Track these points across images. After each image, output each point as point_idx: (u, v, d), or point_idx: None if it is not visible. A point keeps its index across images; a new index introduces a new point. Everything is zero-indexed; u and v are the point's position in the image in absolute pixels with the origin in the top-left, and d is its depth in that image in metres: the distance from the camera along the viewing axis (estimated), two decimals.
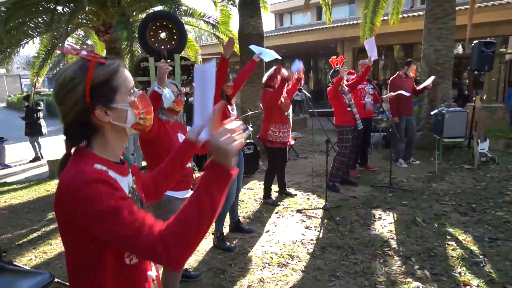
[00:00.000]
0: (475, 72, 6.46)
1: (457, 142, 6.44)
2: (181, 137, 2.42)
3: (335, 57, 4.93)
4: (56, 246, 3.73)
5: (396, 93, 5.48)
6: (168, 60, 4.20)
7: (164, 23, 4.18)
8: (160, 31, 4.22)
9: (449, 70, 6.90)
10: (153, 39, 4.19)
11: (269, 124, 4.28)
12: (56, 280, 1.66)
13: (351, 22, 11.59)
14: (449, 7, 6.75)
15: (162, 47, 4.18)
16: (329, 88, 4.91)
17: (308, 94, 4.50)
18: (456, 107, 6.97)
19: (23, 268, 1.85)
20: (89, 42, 12.36)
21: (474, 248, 3.26)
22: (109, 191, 0.89)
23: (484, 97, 10.35)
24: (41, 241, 3.88)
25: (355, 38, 10.01)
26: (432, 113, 6.06)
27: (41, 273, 1.63)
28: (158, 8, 7.84)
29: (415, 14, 10.07)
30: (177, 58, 4.11)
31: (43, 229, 4.22)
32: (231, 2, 9.23)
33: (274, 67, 4.25)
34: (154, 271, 1.12)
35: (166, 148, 2.28)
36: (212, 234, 3.56)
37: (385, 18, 9.50)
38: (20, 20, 6.83)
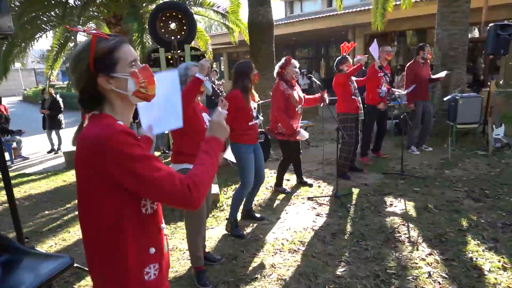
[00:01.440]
0: (491, 56, 6.31)
1: (472, 128, 6.34)
2: (205, 117, 2.68)
3: (347, 42, 4.89)
4: (74, 234, 3.86)
5: (409, 89, 5.49)
6: (178, 51, 4.24)
7: (174, 13, 4.20)
8: (170, 22, 4.24)
9: (463, 55, 6.75)
10: (163, 30, 4.22)
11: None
12: (75, 265, 1.75)
13: (362, 8, 11.38)
14: None
15: (172, 37, 4.21)
16: (340, 74, 4.85)
17: (318, 82, 4.48)
18: (470, 92, 6.86)
19: (45, 252, 1.94)
20: None
21: (486, 233, 3.24)
22: (136, 142, 1.05)
23: (501, 82, 10.11)
24: (60, 229, 4.03)
25: (366, 25, 9.84)
26: (445, 99, 5.97)
27: (62, 256, 1.72)
28: None
29: None
30: (187, 48, 4.14)
31: (62, 218, 4.36)
32: None
33: (284, 58, 4.22)
34: (165, 225, 1.28)
35: (194, 126, 2.56)
36: (226, 219, 3.63)
37: (397, 3, 9.32)
38: (34, 14, 6.94)
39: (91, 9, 8.13)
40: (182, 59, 4.28)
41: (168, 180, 1.05)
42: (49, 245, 3.62)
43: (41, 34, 7.87)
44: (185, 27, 4.20)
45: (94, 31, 1.11)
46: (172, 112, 1.54)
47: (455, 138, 6.21)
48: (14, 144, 7.79)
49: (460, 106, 5.90)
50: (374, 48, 4.75)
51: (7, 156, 8.05)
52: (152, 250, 1.17)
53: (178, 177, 1.08)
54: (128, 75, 1.12)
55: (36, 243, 3.64)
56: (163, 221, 1.27)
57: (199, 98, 2.71)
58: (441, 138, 6.58)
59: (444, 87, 6.79)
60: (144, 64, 1.19)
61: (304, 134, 4.14)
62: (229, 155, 2.79)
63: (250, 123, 3.39)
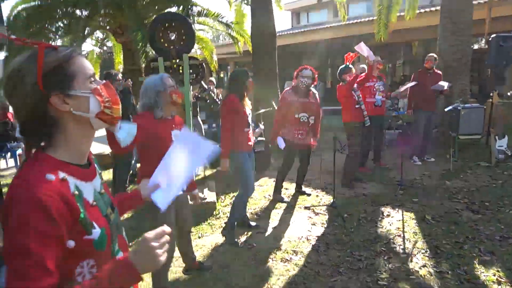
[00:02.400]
0: (490, 68, 6.28)
1: (474, 139, 6.26)
2: (175, 134, 2.31)
3: (351, 53, 4.91)
4: None
5: (405, 86, 5.45)
6: (177, 60, 4.30)
7: (173, 24, 4.27)
8: (169, 32, 4.31)
9: (466, 65, 6.71)
10: (162, 40, 4.29)
11: (281, 123, 4.33)
12: None
13: (367, 19, 11.43)
14: (466, 1, 6.57)
15: (171, 47, 4.28)
16: (341, 85, 4.86)
17: (316, 94, 4.50)
18: (473, 103, 6.80)
19: None
20: (109, 44, 12.72)
21: (483, 246, 3.18)
22: (39, 225, 0.79)
23: (509, 93, 9.99)
24: None
25: (370, 35, 9.86)
26: (446, 109, 5.92)
27: None
28: (173, 9, 8.00)
29: (433, 9, 9.84)
30: (186, 57, 4.19)
31: None
32: (245, 1, 9.31)
33: (299, 68, 4.31)
34: None
35: (158, 149, 1.95)
36: (225, 223, 3.62)
37: (402, 14, 9.34)
38: (40, 25, 7.11)
39: (98, 19, 8.32)
40: (180, 68, 4.35)
41: (20, 275, 0.78)
42: None
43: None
44: (184, 37, 4.26)
45: (37, 43, 0.88)
46: (178, 179, 1.33)
47: (457, 149, 6.14)
48: (20, 151, 7.89)
49: (462, 117, 5.85)
50: (360, 47, 4.51)
51: (12, 162, 8.18)
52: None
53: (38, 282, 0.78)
54: (90, 92, 0.91)
55: None
56: None
57: (172, 114, 2.42)
58: (444, 149, 6.51)
59: (447, 97, 6.73)
60: (104, 81, 0.98)
61: (279, 144, 4.30)
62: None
63: (245, 129, 3.41)
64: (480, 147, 6.34)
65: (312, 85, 4.38)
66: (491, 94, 6.06)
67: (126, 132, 1.72)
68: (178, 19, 4.25)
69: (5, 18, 7.11)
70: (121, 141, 1.76)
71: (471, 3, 6.67)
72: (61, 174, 0.87)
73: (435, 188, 4.73)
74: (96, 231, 0.90)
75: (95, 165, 1.04)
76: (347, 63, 4.89)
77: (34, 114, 0.87)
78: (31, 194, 0.80)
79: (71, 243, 0.86)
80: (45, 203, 0.80)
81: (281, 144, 4.29)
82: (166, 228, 0.92)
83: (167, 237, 0.91)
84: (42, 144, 0.92)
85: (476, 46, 12.48)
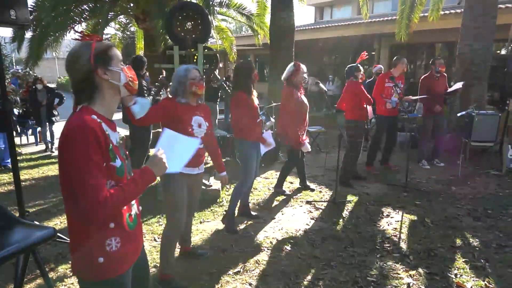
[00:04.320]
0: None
1: (487, 146, 6.18)
2: (196, 119, 2.59)
3: (366, 52, 4.91)
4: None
5: (417, 97, 5.45)
6: (192, 50, 4.41)
7: (190, 13, 4.37)
8: (186, 21, 4.42)
9: (486, 71, 6.60)
10: (179, 29, 4.41)
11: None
12: (58, 234, 1.97)
13: (388, 18, 11.24)
14: (491, 5, 6.43)
15: (187, 36, 4.39)
16: (355, 82, 4.84)
17: (325, 88, 4.53)
18: (491, 110, 6.68)
19: (33, 223, 2.17)
20: (132, 29, 12.95)
21: (478, 253, 3.20)
22: (92, 140, 1.22)
23: None
24: None
25: (392, 35, 9.72)
26: (458, 114, 5.86)
27: (48, 227, 1.95)
28: None
29: (458, 11, 9.60)
30: (200, 47, 4.30)
31: None
32: None
33: (293, 64, 4.29)
34: (136, 207, 1.48)
35: (173, 126, 2.34)
36: (225, 211, 3.75)
37: (425, 14, 9.17)
38: (66, 7, 7.33)
39: (122, 5, 8.51)
40: (195, 57, 4.46)
41: (88, 189, 1.19)
42: (55, 223, 3.86)
43: (73, 26, 8.28)
44: (200, 27, 4.36)
45: (91, 37, 1.37)
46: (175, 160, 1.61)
47: (468, 155, 6.07)
48: (39, 129, 8.20)
49: (476, 124, 5.77)
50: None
51: (32, 139, 8.53)
52: (112, 225, 1.34)
53: (99, 192, 1.20)
54: (121, 69, 1.37)
55: (44, 220, 3.89)
56: (133, 203, 1.45)
57: (198, 100, 2.70)
58: (455, 154, 6.44)
59: (463, 102, 6.65)
60: (128, 65, 1.46)
61: (307, 147, 4.28)
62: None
63: (257, 120, 3.52)
64: (493, 155, 6.24)
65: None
66: (507, 102, 5.95)
67: (140, 106, 1.97)
68: (195, 9, 4.35)
69: None
70: (135, 114, 2.02)
71: (496, 7, 6.52)
72: (98, 120, 1.30)
73: (439, 193, 4.72)
74: (118, 162, 1.33)
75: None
76: (358, 63, 4.88)
77: (84, 80, 1.31)
78: (84, 124, 1.23)
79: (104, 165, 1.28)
80: (95, 129, 1.23)
81: (308, 147, 4.29)
82: (161, 151, 1.46)
83: (161, 152, 1.44)
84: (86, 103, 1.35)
85: (503, 52, 12.11)
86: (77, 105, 1.34)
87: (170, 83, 2.80)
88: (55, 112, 7.56)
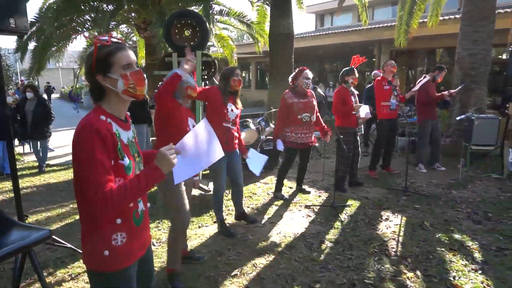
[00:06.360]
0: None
1: (488, 150, 6.16)
2: (191, 121, 2.76)
3: (359, 56, 4.92)
4: (79, 222, 4.11)
5: (415, 89, 5.45)
6: None
7: (189, 21, 4.44)
8: (184, 29, 4.49)
9: (485, 75, 6.60)
10: (177, 37, 4.47)
11: (284, 125, 4.40)
12: (53, 237, 2.00)
13: (388, 24, 11.32)
14: (489, 9, 6.47)
15: (186, 43, 4.45)
16: (342, 87, 4.83)
17: (323, 94, 4.56)
18: (492, 114, 6.67)
19: (30, 225, 2.20)
20: (134, 38, 13.11)
21: (477, 255, 3.19)
22: (96, 140, 1.28)
23: None
24: (68, 216, 4.31)
25: (392, 40, 9.78)
26: (458, 118, 5.86)
27: (43, 229, 2.00)
28: (194, 7, 8.22)
29: (457, 16, 9.66)
30: (199, 54, 4.35)
31: (72, 206, 4.65)
32: (267, 2, 9.42)
33: (298, 69, 4.35)
34: (142, 204, 1.52)
35: (176, 125, 2.66)
36: (214, 222, 3.77)
37: (424, 20, 9.23)
38: (69, 17, 7.46)
39: (124, 14, 8.64)
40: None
41: (94, 185, 1.26)
42: (54, 228, 3.89)
43: (75, 36, 8.42)
44: (198, 34, 4.42)
45: (96, 40, 1.37)
46: (193, 162, 1.59)
47: (469, 159, 6.05)
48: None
49: (476, 127, 5.77)
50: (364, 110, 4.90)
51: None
52: (119, 221, 1.41)
53: (101, 188, 1.26)
54: (119, 76, 1.37)
55: (43, 225, 3.92)
56: (140, 200, 1.51)
57: (188, 105, 2.83)
58: (456, 159, 6.42)
59: (463, 106, 6.64)
60: (138, 69, 1.43)
61: (279, 147, 4.38)
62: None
63: (224, 124, 3.45)
64: (494, 159, 6.22)
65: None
66: (507, 106, 5.94)
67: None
68: (193, 16, 4.42)
69: (37, 9, 7.52)
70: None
71: (494, 12, 6.55)
72: (108, 120, 1.37)
73: (439, 197, 4.71)
74: (126, 160, 1.39)
75: (130, 123, 1.53)
76: (353, 66, 4.87)
77: (92, 84, 1.41)
78: (91, 125, 1.30)
79: (112, 163, 1.33)
80: (100, 130, 1.29)
81: (280, 146, 4.35)
82: (170, 146, 1.41)
83: (172, 149, 1.40)
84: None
85: (505, 56, 12.10)
86: (95, 103, 1.44)
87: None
88: (46, 128, 6.38)
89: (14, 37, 7.70)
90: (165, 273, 2.79)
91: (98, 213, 1.33)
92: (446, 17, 9.60)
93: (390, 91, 5.33)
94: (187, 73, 2.61)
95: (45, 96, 6.99)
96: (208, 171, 5.94)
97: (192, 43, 4.48)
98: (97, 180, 1.26)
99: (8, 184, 5.65)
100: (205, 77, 4.63)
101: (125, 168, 1.37)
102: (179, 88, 2.68)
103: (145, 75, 1.47)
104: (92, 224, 1.39)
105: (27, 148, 8.63)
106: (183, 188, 2.66)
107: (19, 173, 6.26)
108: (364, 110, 4.83)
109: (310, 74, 4.28)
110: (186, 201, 2.66)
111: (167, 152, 1.37)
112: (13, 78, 13.04)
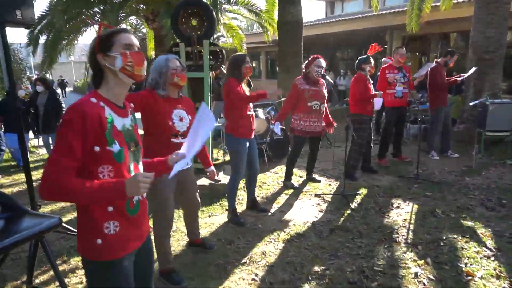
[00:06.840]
0: None
1: (503, 136, 6.01)
2: (177, 113, 2.45)
3: (377, 44, 4.84)
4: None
5: (424, 71, 5.37)
6: (197, 46, 4.45)
7: (195, 10, 4.41)
8: (191, 18, 4.47)
9: (500, 59, 6.41)
10: (184, 26, 4.45)
11: (293, 113, 4.39)
12: (65, 225, 2.06)
13: (398, 10, 11.06)
14: None
15: (193, 33, 4.43)
16: (360, 74, 4.78)
17: (331, 81, 4.50)
18: (505, 99, 6.50)
19: (41, 213, 2.26)
20: (144, 30, 13.13)
21: (490, 242, 3.14)
22: (76, 123, 1.27)
23: None
24: None
25: (404, 26, 9.56)
26: (471, 103, 5.72)
27: (54, 217, 2.06)
28: None
29: None
30: (206, 43, 4.34)
31: None
32: None
33: (311, 56, 4.31)
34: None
35: (152, 119, 2.41)
36: (226, 210, 3.78)
37: (437, 4, 8.98)
38: (78, 10, 7.50)
39: (132, 6, 8.65)
40: (201, 53, 4.50)
41: (52, 162, 1.26)
42: (68, 219, 3.98)
43: (85, 29, 8.48)
44: (205, 23, 4.40)
45: (102, 24, 1.46)
46: (193, 146, 1.60)
47: (483, 145, 5.93)
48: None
49: (490, 113, 5.63)
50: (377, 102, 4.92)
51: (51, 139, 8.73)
52: (110, 208, 1.39)
53: (56, 166, 1.25)
54: (118, 54, 1.37)
55: (58, 215, 4.00)
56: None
57: (179, 92, 2.58)
58: (470, 145, 6.30)
59: (477, 91, 6.48)
60: (139, 50, 1.44)
61: (276, 130, 4.26)
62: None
63: (248, 112, 3.45)
64: (509, 145, 6.07)
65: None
66: None
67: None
68: (199, 5, 4.39)
69: (47, 2, 7.58)
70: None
71: None
72: (101, 103, 1.36)
73: (452, 184, 4.64)
74: (116, 147, 1.35)
75: (129, 111, 1.50)
76: (369, 54, 4.81)
77: (92, 65, 1.42)
78: (77, 106, 1.29)
79: (97, 149, 1.31)
80: (86, 112, 1.28)
81: (278, 129, 4.26)
82: (150, 175, 1.32)
83: (150, 179, 1.31)
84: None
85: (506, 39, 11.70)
86: (93, 88, 1.44)
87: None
88: (57, 122, 6.12)
89: (26, 31, 7.81)
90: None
91: (40, 190, 1.27)
92: (460, 0, 9.33)
93: (394, 78, 5.23)
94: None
95: (59, 90, 7.02)
96: (219, 161, 5.98)
97: (199, 32, 4.46)
98: (57, 160, 1.25)
99: (24, 176, 5.77)
100: (212, 66, 4.61)
101: (114, 154, 1.34)
102: (161, 78, 2.42)
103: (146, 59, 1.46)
104: (84, 211, 1.38)
105: (41, 140, 8.80)
106: (172, 187, 2.57)
107: (34, 165, 6.47)
108: (378, 102, 4.80)
109: (323, 63, 4.23)
110: (172, 201, 2.55)
111: (141, 179, 1.27)
112: (27, 72, 13.25)
